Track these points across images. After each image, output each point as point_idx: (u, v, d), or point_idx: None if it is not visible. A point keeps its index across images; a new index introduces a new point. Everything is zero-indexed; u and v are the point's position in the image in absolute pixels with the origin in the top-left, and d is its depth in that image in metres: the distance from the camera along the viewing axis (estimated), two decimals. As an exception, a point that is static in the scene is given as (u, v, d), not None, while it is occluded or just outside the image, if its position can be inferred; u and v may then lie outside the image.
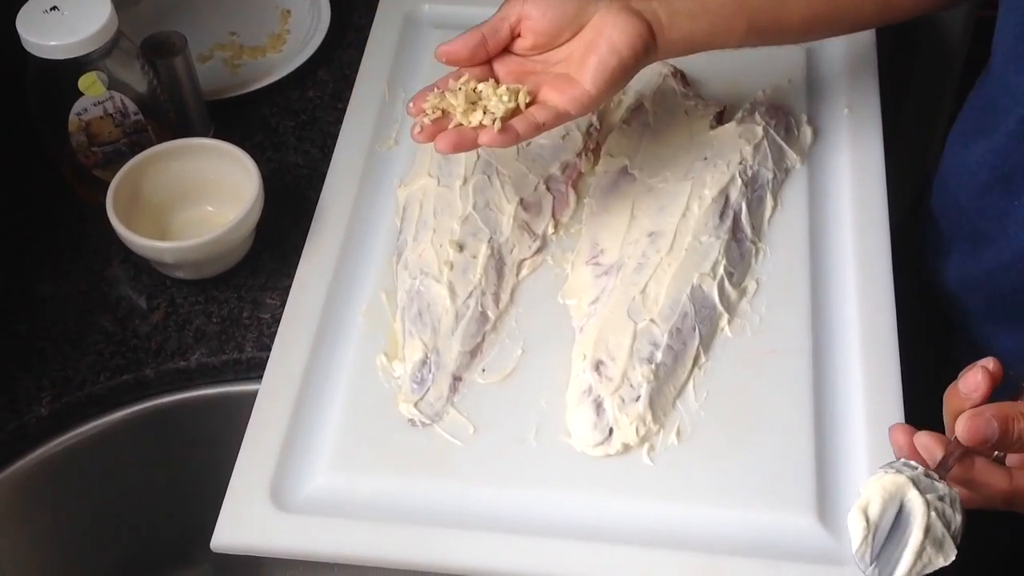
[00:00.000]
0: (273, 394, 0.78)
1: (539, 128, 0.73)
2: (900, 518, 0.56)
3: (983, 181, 0.78)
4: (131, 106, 0.89)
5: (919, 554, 0.55)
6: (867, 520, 0.57)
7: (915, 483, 0.57)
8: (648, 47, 0.73)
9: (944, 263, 0.87)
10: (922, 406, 0.81)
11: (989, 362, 0.60)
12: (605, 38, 0.72)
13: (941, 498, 0.57)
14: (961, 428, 0.58)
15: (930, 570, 0.55)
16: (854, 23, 0.82)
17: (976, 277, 0.82)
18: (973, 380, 0.59)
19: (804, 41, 0.82)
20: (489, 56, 0.76)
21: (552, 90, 0.74)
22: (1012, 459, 0.61)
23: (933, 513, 0.56)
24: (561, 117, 0.73)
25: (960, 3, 0.85)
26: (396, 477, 0.74)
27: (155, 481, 0.88)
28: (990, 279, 0.81)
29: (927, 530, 0.56)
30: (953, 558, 0.56)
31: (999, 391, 0.84)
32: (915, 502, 0.56)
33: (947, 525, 0.56)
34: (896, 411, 0.76)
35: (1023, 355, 0.82)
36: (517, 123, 0.73)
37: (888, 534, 0.56)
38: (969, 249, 0.82)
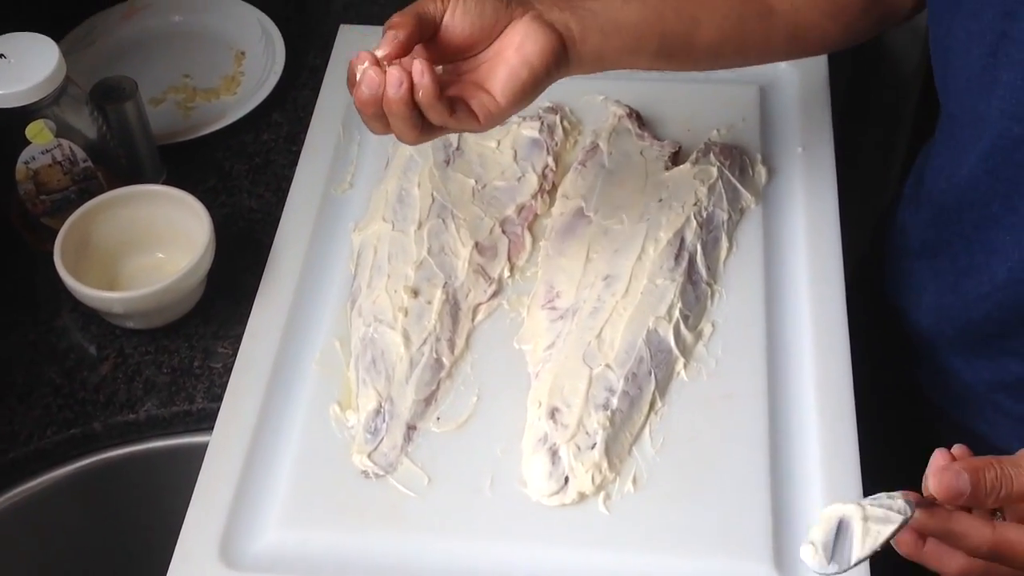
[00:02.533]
0: (223, 447, 0.77)
1: (447, 118, 0.68)
2: (840, 526, 0.58)
3: (965, 211, 0.78)
4: (80, 153, 0.87)
5: (865, 534, 0.56)
6: (813, 544, 0.58)
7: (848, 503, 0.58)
8: (560, 61, 0.71)
9: (918, 295, 0.87)
10: (882, 439, 0.81)
11: (956, 449, 0.60)
12: (516, 49, 0.70)
13: (876, 497, 0.58)
14: (932, 483, 0.57)
15: (884, 537, 0.56)
16: (763, 52, 0.82)
17: (954, 307, 0.82)
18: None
19: (714, 68, 0.81)
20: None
21: (463, 96, 0.71)
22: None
23: (868, 506, 0.57)
24: (468, 122, 0.70)
25: (867, 38, 0.86)
26: (349, 532, 0.73)
27: (103, 538, 0.86)
28: (967, 310, 0.80)
29: (865, 519, 0.57)
30: (904, 517, 0.56)
31: (977, 411, 0.84)
32: (848, 508, 0.58)
33: (888, 507, 0.57)
34: (851, 454, 0.75)
35: (997, 384, 0.82)
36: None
37: (835, 541, 0.57)
38: (950, 281, 0.82)
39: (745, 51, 0.81)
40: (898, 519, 0.56)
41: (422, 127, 0.69)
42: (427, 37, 0.70)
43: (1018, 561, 0.58)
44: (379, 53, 0.68)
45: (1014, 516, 0.60)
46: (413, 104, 0.67)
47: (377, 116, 0.69)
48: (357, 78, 0.68)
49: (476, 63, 0.72)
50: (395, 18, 0.68)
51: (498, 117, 0.70)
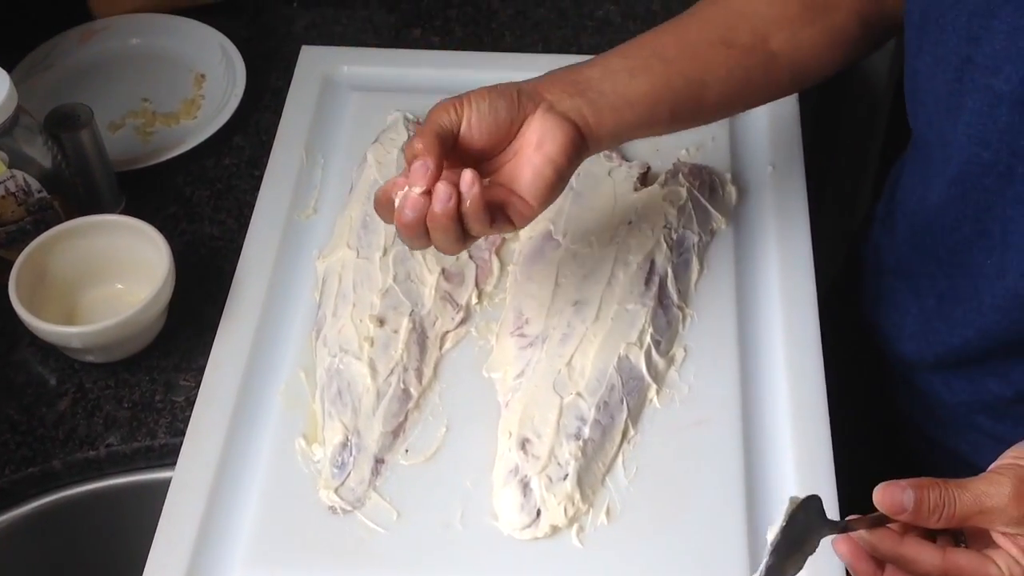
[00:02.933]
0: (186, 483, 0.75)
1: (487, 227, 0.68)
2: None
3: (938, 233, 0.77)
4: (34, 184, 0.85)
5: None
6: None
7: None
8: (580, 149, 0.71)
9: (900, 318, 0.86)
10: (859, 460, 0.80)
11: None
12: (537, 148, 0.69)
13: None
14: (877, 496, 0.59)
15: (783, 516, 0.58)
16: (769, 95, 0.81)
17: (938, 332, 0.81)
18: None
19: (725, 117, 0.82)
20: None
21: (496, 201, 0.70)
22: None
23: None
24: (505, 227, 0.70)
25: (867, 56, 0.85)
26: (317, 569, 0.71)
27: (64, 580, 0.84)
28: (951, 336, 0.80)
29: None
30: (800, 499, 0.59)
31: (956, 431, 0.84)
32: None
33: None
34: (828, 479, 0.74)
35: (976, 404, 0.81)
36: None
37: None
38: (932, 305, 0.81)
39: (751, 99, 0.81)
40: (797, 501, 0.58)
41: (464, 238, 0.68)
42: (447, 150, 0.68)
43: None
44: (416, 190, 0.66)
45: (975, 543, 0.60)
46: (459, 217, 0.66)
47: (420, 235, 0.68)
48: (396, 204, 0.67)
49: (498, 164, 0.71)
50: (417, 143, 0.67)
51: (532, 218, 0.70)
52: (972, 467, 0.83)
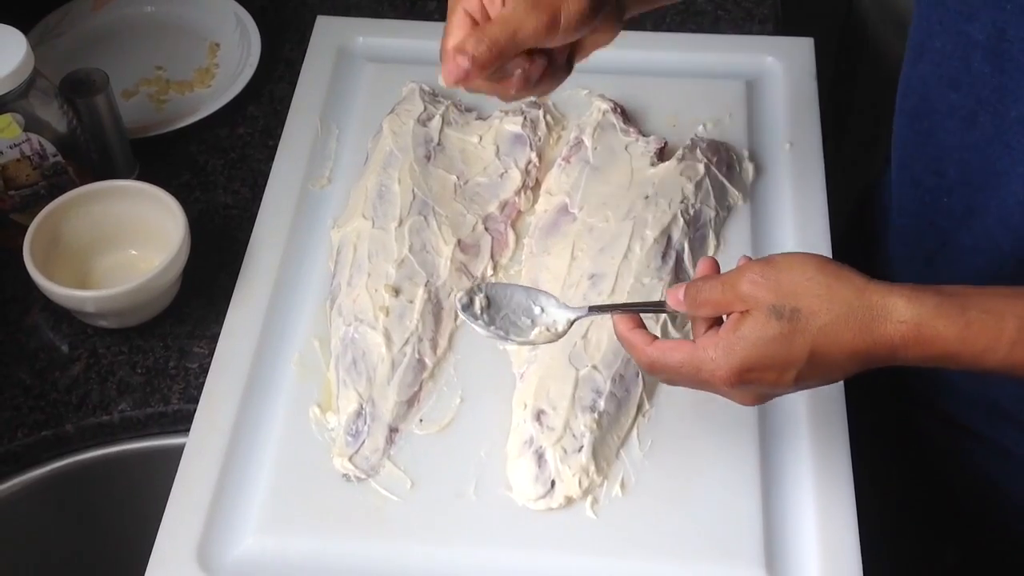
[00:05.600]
0: (200, 449, 0.75)
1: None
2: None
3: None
4: (49, 148, 0.85)
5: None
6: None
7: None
8: None
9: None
10: (871, 434, 0.80)
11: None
12: None
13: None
14: (667, 294, 0.66)
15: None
16: None
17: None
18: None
19: None
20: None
21: None
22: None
23: None
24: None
25: None
26: (330, 537, 0.71)
27: (76, 543, 0.84)
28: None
29: None
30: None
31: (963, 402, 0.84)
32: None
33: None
34: (842, 452, 0.74)
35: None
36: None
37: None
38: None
39: None
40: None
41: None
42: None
43: (666, 376, 0.65)
44: None
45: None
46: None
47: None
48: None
49: None
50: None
51: (563, 41, 0.66)
52: (980, 438, 0.83)
